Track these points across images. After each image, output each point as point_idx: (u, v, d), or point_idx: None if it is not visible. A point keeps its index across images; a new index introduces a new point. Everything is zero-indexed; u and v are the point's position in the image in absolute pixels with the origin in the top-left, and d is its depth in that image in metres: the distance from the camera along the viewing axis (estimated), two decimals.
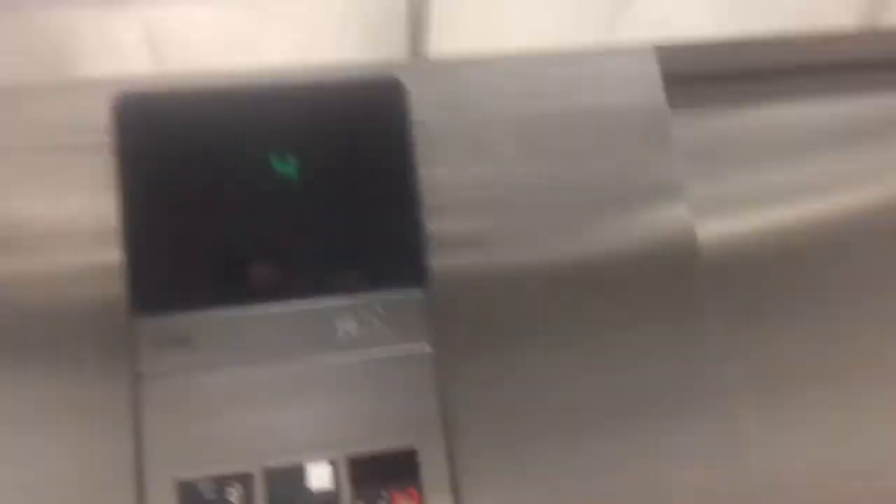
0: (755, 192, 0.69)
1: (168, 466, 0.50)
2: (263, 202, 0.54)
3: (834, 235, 0.70)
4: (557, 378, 0.57)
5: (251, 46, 0.61)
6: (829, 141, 0.71)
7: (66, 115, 0.55)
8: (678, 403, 0.58)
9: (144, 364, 0.52)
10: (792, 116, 0.72)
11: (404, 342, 0.54)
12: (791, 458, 0.64)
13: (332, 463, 0.52)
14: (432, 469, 0.52)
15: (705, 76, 0.68)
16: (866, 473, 0.65)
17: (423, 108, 0.58)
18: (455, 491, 0.52)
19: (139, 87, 0.55)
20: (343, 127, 0.56)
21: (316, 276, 0.54)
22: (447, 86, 0.60)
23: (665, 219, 0.61)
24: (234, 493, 0.50)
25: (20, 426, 0.51)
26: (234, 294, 0.53)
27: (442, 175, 0.59)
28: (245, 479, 0.51)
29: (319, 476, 0.52)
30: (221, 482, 0.50)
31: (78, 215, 0.54)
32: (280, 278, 0.54)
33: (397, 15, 0.61)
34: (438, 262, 0.57)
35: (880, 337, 0.68)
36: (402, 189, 0.56)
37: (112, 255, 0.54)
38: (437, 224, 0.58)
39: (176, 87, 0.55)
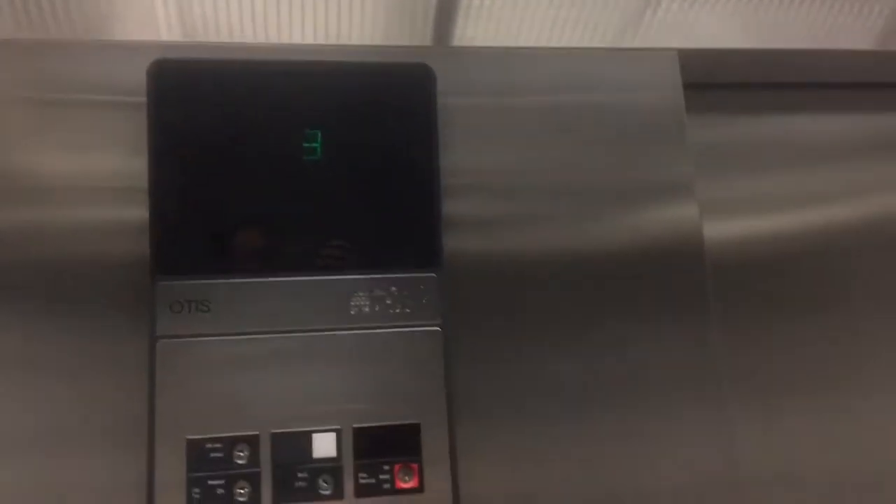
0: (763, 198, 0.71)
1: (178, 425, 0.52)
2: (287, 176, 0.56)
3: (835, 244, 0.71)
4: (560, 363, 0.59)
5: (279, 24, 0.62)
6: (836, 154, 0.73)
7: (101, 74, 0.57)
8: (673, 395, 0.60)
9: (162, 325, 0.53)
10: (802, 128, 0.73)
11: (415, 321, 0.56)
12: (778, 454, 0.66)
13: (338, 433, 0.53)
14: (434, 445, 0.54)
15: (724, 84, 0.70)
16: (850, 473, 0.67)
17: (447, 93, 0.60)
18: (454, 467, 0.54)
19: (176, 54, 0.56)
20: (370, 108, 0.57)
21: (333, 253, 0.56)
22: (471, 72, 0.62)
23: (674, 217, 0.63)
24: (240, 455, 0.52)
25: (37, 375, 0.53)
26: (253, 264, 0.55)
27: (460, 159, 0.60)
28: (252, 442, 0.52)
29: (324, 444, 0.53)
30: (229, 443, 0.52)
31: (106, 173, 0.56)
32: (299, 251, 0.55)
33: (426, 3, 0.62)
34: (452, 243, 0.59)
35: (876, 345, 0.70)
36: (424, 173, 0.57)
37: (135, 215, 0.55)
38: (453, 206, 0.59)
39: (212, 57, 0.56)
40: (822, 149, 0.73)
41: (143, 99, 0.55)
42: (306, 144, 0.56)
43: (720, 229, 0.69)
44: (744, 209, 0.71)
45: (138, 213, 0.55)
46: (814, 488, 0.66)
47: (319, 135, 0.56)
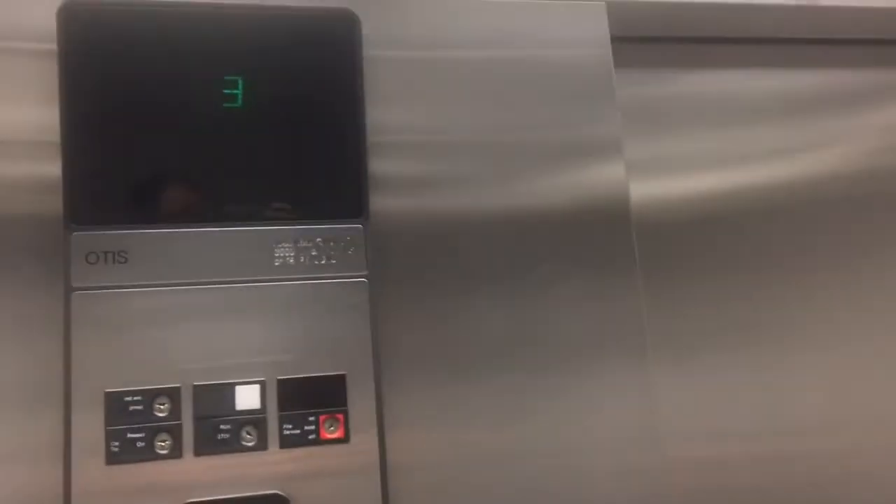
0: (690, 157, 0.72)
1: (96, 378, 0.51)
2: (208, 124, 0.54)
3: (762, 204, 0.73)
4: (485, 319, 0.59)
5: None
6: (764, 111, 0.74)
7: (6, 18, 0.54)
8: (598, 354, 0.60)
9: (77, 278, 0.52)
10: (732, 84, 0.74)
11: (341, 272, 0.55)
12: (700, 410, 0.68)
13: (262, 384, 0.53)
14: (360, 396, 0.54)
15: (653, 37, 0.70)
16: (770, 426, 0.69)
17: (372, 44, 0.59)
18: (380, 417, 0.54)
19: None
20: (293, 54, 0.56)
21: (256, 203, 0.55)
22: (396, 22, 0.61)
23: (601, 176, 0.63)
24: (160, 407, 0.51)
25: None
26: (173, 213, 0.54)
27: (387, 115, 0.60)
28: (173, 394, 0.51)
29: (248, 396, 0.52)
30: (149, 395, 0.51)
31: (18, 124, 0.54)
32: (220, 201, 0.54)
33: None
34: (380, 200, 0.58)
35: (797, 304, 0.72)
36: (348, 122, 0.56)
37: (51, 167, 0.53)
38: (380, 163, 0.59)
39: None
40: (751, 106, 0.74)
41: (52, 46, 0.53)
42: (226, 91, 0.54)
43: (647, 188, 0.70)
44: (671, 168, 0.72)
45: (49, 166, 0.53)
46: (734, 442, 0.68)
47: (240, 81, 0.55)
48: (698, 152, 0.72)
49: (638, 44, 0.69)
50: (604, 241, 0.62)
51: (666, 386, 0.65)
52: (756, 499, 0.68)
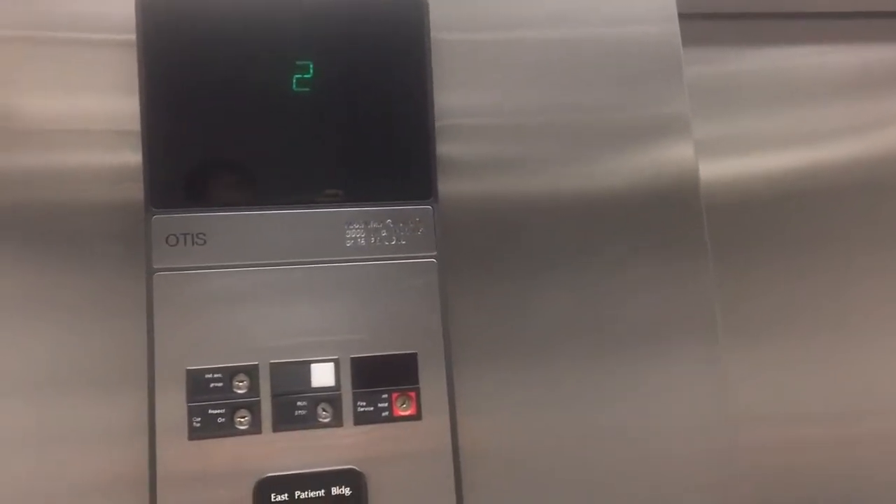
0: (761, 135, 0.71)
1: (178, 356, 0.52)
2: (282, 109, 0.55)
3: (834, 182, 0.71)
4: (554, 301, 0.59)
5: None
6: (837, 88, 0.72)
7: (88, 9, 0.56)
8: (669, 336, 0.60)
9: (158, 259, 0.53)
10: (801, 60, 0.72)
11: (411, 252, 0.56)
12: (771, 396, 0.66)
13: (336, 362, 0.54)
14: (431, 374, 0.54)
15: (720, 14, 0.69)
16: (842, 413, 0.67)
17: (440, 27, 0.59)
18: (452, 394, 0.54)
19: None
20: (362, 38, 0.57)
21: (329, 185, 0.56)
22: (464, 4, 0.61)
23: (670, 156, 0.62)
24: (240, 384, 0.53)
25: (38, 317, 0.53)
26: (249, 196, 0.55)
27: (454, 98, 0.60)
28: (251, 372, 0.53)
29: (323, 374, 0.54)
30: (228, 373, 0.53)
31: (98, 113, 0.56)
32: (294, 184, 0.55)
33: None
34: (449, 182, 0.59)
35: (870, 284, 0.70)
36: (417, 104, 0.57)
37: (130, 154, 0.55)
38: (448, 146, 0.59)
39: None
40: (822, 82, 0.73)
41: (131, 36, 0.55)
42: (297, 76, 0.55)
43: (716, 168, 0.69)
44: (741, 147, 0.71)
45: (128, 154, 0.55)
46: (807, 425, 0.67)
47: (311, 66, 0.56)
48: (768, 130, 0.71)
49: (706, 20, 0.68)
50: (673, 222, 0.61)
51: (737, 368, 0.64)
52: (828, 482, 0.66)
